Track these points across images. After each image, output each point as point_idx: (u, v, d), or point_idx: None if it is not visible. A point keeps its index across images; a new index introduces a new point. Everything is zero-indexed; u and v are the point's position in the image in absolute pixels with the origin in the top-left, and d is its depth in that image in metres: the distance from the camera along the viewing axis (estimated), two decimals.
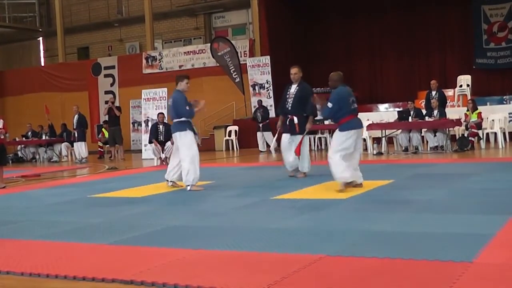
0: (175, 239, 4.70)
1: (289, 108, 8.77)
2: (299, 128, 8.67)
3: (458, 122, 13.05)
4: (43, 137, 19.06)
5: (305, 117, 8.73)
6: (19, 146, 20.01)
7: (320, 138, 16.48)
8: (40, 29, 29.04)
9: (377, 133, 14.05)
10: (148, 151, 15.42)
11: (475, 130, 13.39)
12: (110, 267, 3.86)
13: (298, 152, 8.63)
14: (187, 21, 25.78)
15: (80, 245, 4.64)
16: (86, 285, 3.56)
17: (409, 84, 20.36)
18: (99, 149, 19.52)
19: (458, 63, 20.20)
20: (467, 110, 13.99)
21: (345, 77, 7.42)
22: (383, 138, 13.87)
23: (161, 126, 13.86)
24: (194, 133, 8.15)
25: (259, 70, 19.36)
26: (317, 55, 21.56)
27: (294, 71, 8.82)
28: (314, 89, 11.14)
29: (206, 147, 17.69)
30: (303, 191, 7.31)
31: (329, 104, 7.17)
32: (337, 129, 7.20)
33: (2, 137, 10.32)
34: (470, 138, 13.30)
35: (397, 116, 14.00)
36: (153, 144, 13.76)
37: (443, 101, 13.78)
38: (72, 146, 17.84)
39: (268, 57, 19.43)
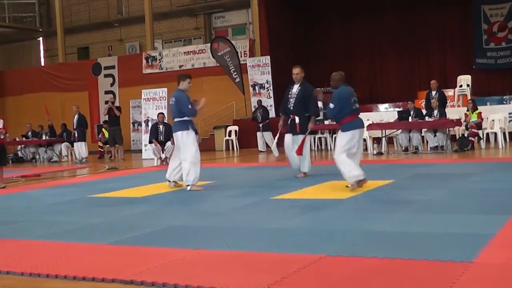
0: (175, 239, 4.70)
1: (291, 108, 8.78)
2: (300, 128, 8.68)
3: (458, 122, 13.05)
4: (43, 137, 19.06)
5: (307, 117, 8.74)
6: (19, 146, 20.01)
7: (320, 138, 16.48)
8: (40, 29, 29.04)
9: (377, 133, 14.05)
10: (148, 151, 15.42)
11: (475, 130, 13.39)
12: (110, 267, 3.86)
13: (300, 152, 8.64)
14: (187, 21, 25.79)
15: (80, 245, 4.64)
16: (86, 285, 3.56)
17: (409, 84, 20.36)
18: (99, 149, 19.51)
19: (458, 63, 20.20)
20: (467, 110, 13.99)
21: (345, 77, 7.41)
22: (383, 138, 13.87)
23: (161, 126, 13.86)
24: (196, 132, 8.17)
25: (259, 70, 19.36)
26: (317, 55, 21.56)
27: (296, 71, 8.82)
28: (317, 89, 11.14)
29: (206, 147, 17.69)
30: (303, 191, 7.31)
31: (331, 105, 7.16)
32: (340, 130, 7.19)
33: (2, 137, 10.32)
34: (470, 138, 13.30)
35: (397, 116, 14.00)
36: (153, 144, 13.75)
37: (443, 101, 13.78)
38: (72, 146, 17.83)
39: (268, 57, 19.44)
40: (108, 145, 18.60)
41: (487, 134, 14.09)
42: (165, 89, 16.68)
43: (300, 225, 5.07)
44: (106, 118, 18.43)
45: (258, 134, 17.22)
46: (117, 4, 26.99)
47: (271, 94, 19.19)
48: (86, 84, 23.73)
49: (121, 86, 23.03)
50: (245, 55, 20.45)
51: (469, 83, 17.81)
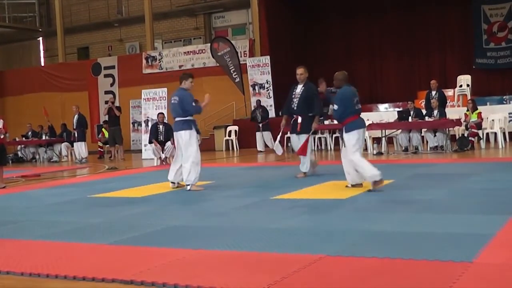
0: (175, 239, 4.70)
1: (295, 108, 8.80)
2: (302, 128, 8.69)
3: (458, 122, 13.05)
4: (43, 137, 19.06)
5: (310, 117, 8.76)
6: (19, 146, 20.01)
7: (320, 138, 16.48)
8: (40, 29, 29.04)
9: (377, 133, 14.06)
10: (148, 151, 15.41)
11: (475, 130, 13.39)
12: (110, 267, 3.86)
13: (303, 152, 8.65)
14: (187, 21, 25.79)
15: (80, 245, 4.64)
16: (86, 285, 3.56)
17: (409, 84, 20.36)
18: (99, 149, 19.51)
19: (458, 63, 20.20)
20: (467, 110, 13.99)
21: (348, 76, 7.36)
22: (383, 138, 13.88)
23: (161, 126, 13.86)
24: (198, 132, 8.18)
25: (259, 70, 19.36)
26: (317, 55, 21.56)
27: (300, 71, 8.83)
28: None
29: (206, 147, 17.67)
30: (303, 191, 7.31)
31: (335, 106, 7.11)
32: (344, 131, 7.11)
33: (2, 136, 10.31)
34: (470, 138, 13.30)
35: (397, 116, 14.01)
36: (153, 144, 13.75)
37: (443, 101, 13.78)
38: (72, 146, 17.83)
39: (268, 57, 19.43)
40: (108, 145, 18.60)
41: (487, 134, 14.10)
42: (165, 89, 16.68)
43: (300, 225, 5.07)
44: (106, 118, 18.43)
45: (258, 134, 17.22)
46: (117, 4, 27.00)
47: (271, 94, 19.20)
48: (86, 84, 23.73)
49: (121, 86, 23.03)
50: (245, 55, 20.45)
51: (469, 83, 17.81)
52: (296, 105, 8.78)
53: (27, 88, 24.74)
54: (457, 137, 13.67)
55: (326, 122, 15.06)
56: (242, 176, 10.36)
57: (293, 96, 8.84)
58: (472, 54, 20.09)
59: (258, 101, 18.12)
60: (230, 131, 18.80)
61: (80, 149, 17.16)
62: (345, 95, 7.11)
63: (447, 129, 13.10)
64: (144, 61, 22.44)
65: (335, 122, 14.48)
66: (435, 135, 13.27)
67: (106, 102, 19.33)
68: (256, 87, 19.44)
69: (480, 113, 13.66)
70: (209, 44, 21.05)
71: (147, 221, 5.62)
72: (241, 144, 18.52)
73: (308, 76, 8.93)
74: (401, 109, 15.89)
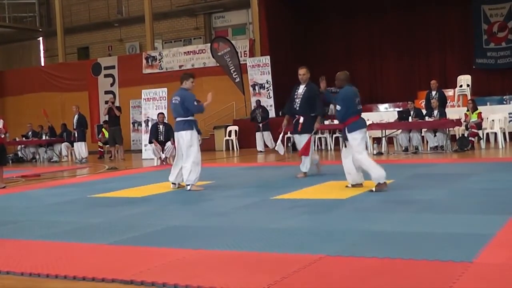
0: (175, 239, 4.70)
1: (297, 108, 8.82)
2: (303, 127, 8.71)
3: (458, 122, 13.05)
4: (43, 137, 19.07)
5: (312, 117, 8.77)
6: (19, 146, 20.01)
7: (320, 138, 16.48)
8: (40, 29, 29.04)
9: (377, 133, 14.06)
10: (148, 151, 15.41)
11: (475, 130, 13.40)
12: (110, 267, 3.86)
13: (306, 152, 8.66)
14: (187, 21, 25.79)
15: (80, 245, 4.64)
16: (86, 285, 3.56)
17: (409, 84, 20.35)
18: (99, 149, 19.52)
19: (458, 63, 20.19)
20: (467, 110, 13.99)
21: (349, 76, 7.33)
22: (383, 138, 13.88)
23: (161, 126, 13.86)
24: (199, 132, 8.18)
25: (259, 70, 19.36)
26: (317, 55, 21.55)
27: (302, 71, 8.84)
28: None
29: (206, 147, 17.67)
30: (303, 191, 7.31)
31: (337, 107, 7.09)
32: (347, 131, 7.04)
33: (3, 136, 10.31)
34: (470, 138, 13.30)
35: (397, 116, 14.01)
36: (153, 144, 13.75)
37: (443, 101, 13.78)
38: (72, 146, 17.84)
39: (268, 57, 19.43)
40: (108, 145, 18.60)
41: (487, 134, 14.10)
42: (165, 89, 16.68)
43: (300, 225, 5.07)
44: (106, 118, 18.43)
45: (258, 134, 17.22)
46: (117, 4, 27.00)
47: (271, 94, 19.19)
48: (86, 84, 23.73)
49: (121, 86, 23.03)
50: (245, 55, 20.45)
51: (469, 83, 17.81)
52: (298, 105, 8.80)
53: (27, 88, 24.73)
54: (457, 137, 13.67)
55: (326, 122, 15.06)
56: (242, 176, 10.36)
57: (295, 96, 8.85)
58: (472, 54, 20.09)
59: (258, 101, 18.12)
60: (230, 131, 18.80)
61: (80, 149, 17.16)
62: (347, 95, 7.08)
63: (447, 129, 13.10)
64: (144, 61, 22.44)
65: (335, 122, 14.54)
66: (435, 135, 13.28)
67: (106, 102, 19.33)
68: (256, 87, 19.44)
69: (480, 113, 13.66)
70: (209, 44, 21.05)
71: (147, 221, 5.62)
72: (241, 144, 18.52)
73: (309, 76, 8.94)
74: (401, 109, 15.89)
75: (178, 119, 8.05)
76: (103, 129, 19.36)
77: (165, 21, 25.75)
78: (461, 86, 17.72)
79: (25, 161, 19.44)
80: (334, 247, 4.06)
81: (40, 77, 24.82)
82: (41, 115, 19.66)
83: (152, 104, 16.83)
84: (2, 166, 10.23)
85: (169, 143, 13.23)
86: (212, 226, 5.28)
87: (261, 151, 16.82)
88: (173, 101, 8.09)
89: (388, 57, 21.46)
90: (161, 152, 13.54)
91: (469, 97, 16.31)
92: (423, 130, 13.47)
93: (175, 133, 8.14)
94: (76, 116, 17.52)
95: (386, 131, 13.84)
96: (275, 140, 16.95)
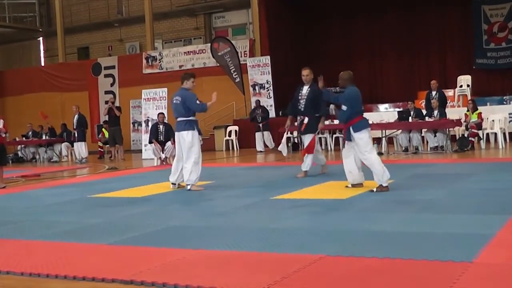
0: (175, 239, 4.70)
1: (302, 109, 8.84)
2: (306, 128, 8.74)
3: (458, 123, 13.05)
4: (43, 137, 19.07)
5: (317, 117, 8.79)
6: (19, 146, 20.01)
7: (320, 138, 16.46)
8: (40, 29, 29.04)
9: (377, 133, 14.05)
10: (148, 151, 15.41)
11: (475, 131, 13.39)
12: (110, 267, 3.86)
13: (310, 150, 8.68)
14: (187, 21, 25.79)
15: (80, 245, 4.64)
16: (86, 285, 3.56)
17: (409, 84, 20.35)
18: (99, 149, 19.51)
19: (458, 63, 20.19)
20: (467, 111, 13.99)
21: (353, 76, 7.27)
22: (383, 138, 13.88)
23: (161, 126, 13.86)
24: (199, 133, 8.18)
25: (259, 70, 19.35)
26: (317, 55, 21.55)
27: (306, 72, 8.85)
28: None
29: (206, 147, 17.63)
30: (303, 191, 7.31)
31: (343, 107, 7.03)
32: (353, 132, 6.99)
33: (3, 135, 10.31)
34: (470, 138, 13.30)
35: (397, 116, 14.01)
36: (153, 144, 13.75)
37: (443, 101, 13.78)
38: (72, 146, 17.84)
39: (268, 57, 19.43)
40: (108, 145, 18.60)
41: (487, 134, 14.09)
42: (165, 89, 16.68)
43: (300, 225, 5.07)
44: (106, 118, 18.43)
45: (257, 134, 17.22)
46: (117, 4, 26.99)
47: (271, 94, 19.19)
48: (86, 84, 23.72)
49: (121, 86, 23.02)
50: (245, 55, 20.44)
51: (469, 83, 17.81)
52: (303, 106, 8.82)
53: (27, 88, 24.73)
54: (457, 137, 13.67)
55: (326, 122, 15.03)
56: (242, 176, 10.36)
57: (300, 97, 8.86)
58: (472, 54, 20.08)
59: (258, 101, 18.12)
60: (230, 131, 18.80)
61: (80, 149, 17.16)
62: (353, 95, 7.03)
63: (447, 129, 13.10)
64: (144, 61, 22.43)
65: (336, 122, 14.54)
66: (435, 135, 13.27)
67: (106, 102, 19.33)
68: (257, 87, 19.44)
69: (480, 113, 13.66)
70: (209, 44, 21.04)
71: (147, 221, 5.62)
72: (241, 144, 18.52)
73: (313, 77, 8.95)
74: (401, 109, 15.88)
75: (179, 119, 8.05)
76: (103, 129, 19.36)
77: (165, 21, 25.75)
78: (461, 86, 17.72)
79: (25, 161, 19.44)
80: (334, 247, 4.06)
81: (40, 77, 24.82)
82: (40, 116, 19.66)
83: (152, 104, 16.83)
84: (2, 166, 10.23)
85: (169, 143, 13.23)
86: (212, 226, 5.28)
87: (261, 151, 16.81)
88: (174, 101, 8.09)
89: (388, 57, 21.46)
90: (161, 152, 13.54)
91: (469, 97, 16.30)
92: (423, 130, 13.46)
93: (176, 133, 8.13)
94: (76, 116, 17.52)
95: (386, 131, 13.84)
96: (275, 140, 17.02)
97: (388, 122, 14.05)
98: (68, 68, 24.68)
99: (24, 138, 19.92)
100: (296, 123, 9.27)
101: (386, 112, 17.05)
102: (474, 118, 13.57)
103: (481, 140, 13.71)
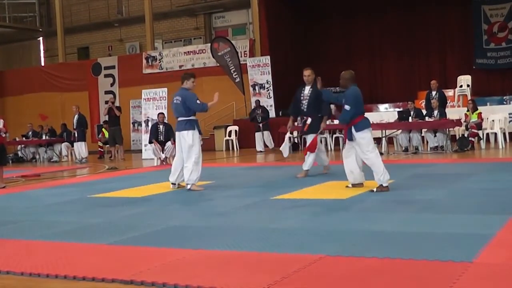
0: (175, 239, 4.70)
1: (305, 110, 8.85)
2: (310, 128, 8.77)
3: (458, 123, 13.05)
4: (43, 137, 19.07)
5: (319, 117, 8.80)
6: (19, 146, 20.01)
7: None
8: (40, 29, 29.04)
9: (377, 133, 14.03)
10: (148, 151, 15.41)
11: (475, 131, 13.39)
12: (110, 267, 3.86)
13: (313, 149, 8.69)
14: (187, 21, 25.79)
15: (80, 245, 4.64)
16: (86, 285, 3.56)
17: (409, 84, 20.35)
18: (99, 149, 19.51)
19: (458, 63, 20.19)
20: (467, 111, 13.99)
21: (355, 76, 7.24)
22: (383, 138, 13.88)
23: (161, 126, 13.86)
24: (200, 132, 8.18)
25: (259, 70, 19.35)
26: (317, 55, 21.55)
27: (307, 73, 8.85)
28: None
29: (206, 147, 17.64)
30: (303, 191, 7.31)
31: (347, 107, 6.94)
32: (355, 131, 6.94)
33: (4, 135, 10.30)
34: (470, 139, 13.30)
35: (397, 116, 14.01)
36: (153, 144, 13.75)
37: (443, 101, 13.78)
38: (72, 146, 17.84)
39: (268, 57, 19.43)
40: (108, 145, 18.60)
41: (487, 134, 14.09)
42: (165, 89, 16.68)
43: (300, 225, 5.06)
44: (106, 118, 18.43)
45: (257, 134, 17.22)
46: (117, 4, 26.99)
47: (271, 94, 19.19)
48: (86, 84, 23.72)
49: (121, 86, 23.02)
50: (245, 55, 20.44)
51: (469, 83, 17.81)
52: (306, 106, 8.83)
53: (27, 88, 24.72)
54: (457, 137, 13.67)
55: (327, 122, 15.03)
56: (242, 176, 10.36)
57: (302, 97, 8.86)
58: (472, 54, 20.08)
59: (258, 101, 18.12)
60: (230, 131, 18.80)
61: (80, 149, 17.16)
62: (355, 95, 7.00)
63: (447, 129, 13.10)
64: (144, 61, 22.43)
65: (335, 122, 14.53)
66: (435, 135, 13.27)
67: (106, 102, 19.33)
68: (257, 87, 19.44)
69: (480, 113, 13.66)
70: (209, 44, 21.04)
71: (147, 221, 5.62)
72: (241, 144, 18.52)
73: (314, 77, 8.95)
74: (401, 109, 15.88)
75: (180, 119, 8.05)
76: (103, 129, 19.36)
77: (165, 21, 25.75)
78: (461, 86, 17.72)
79: (25, 161, 19.44)
80: (334, 247, 4.06)
81: (40, 77, 24.81)
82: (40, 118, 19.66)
83: (152, 104, 16.82)
84: (2, 166, 10.23)
85: (169, 143, 13.23)
86: (212, 226, 5.28)
87: (261, 151, 16.81)
88: (174, 101, 8.09)
89: (388, 57, 21.46)
90: (161, 152, 13.54)
91: (469, 97, 16.30)
92: (423, 130, 13.46)
93: (177, 133, 8.13)
94: (76, 116, 17.52)
95: (386, 131, 13.84)
96: (275, 140, 17.02)
97: (388, 122, 14.05)
98: (68, 68, 24.68)
99: (24, 138, 19.92)
100: (297, 123, 9.28)
101: (386, 112, 17.04)
102: (474, 118, 13.57)
103: (481, 140, 13.71)
